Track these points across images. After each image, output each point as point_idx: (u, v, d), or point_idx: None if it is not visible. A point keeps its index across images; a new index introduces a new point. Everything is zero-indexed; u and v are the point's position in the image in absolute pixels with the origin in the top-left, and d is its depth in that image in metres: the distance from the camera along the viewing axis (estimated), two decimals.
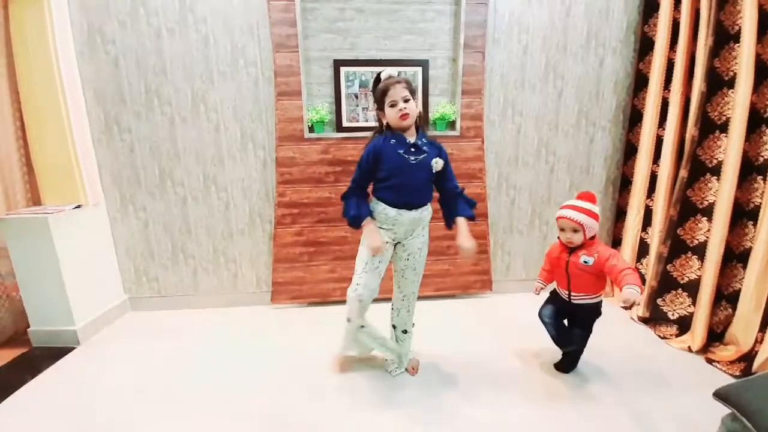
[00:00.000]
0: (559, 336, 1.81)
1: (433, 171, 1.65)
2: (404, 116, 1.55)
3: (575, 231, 1.70)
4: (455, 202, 1.74)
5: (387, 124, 1.62)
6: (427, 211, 1.72)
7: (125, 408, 1.68)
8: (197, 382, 1.85)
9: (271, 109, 2.43)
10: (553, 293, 1.90)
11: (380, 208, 1.66)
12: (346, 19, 2.37)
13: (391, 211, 1.63)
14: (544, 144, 2.66)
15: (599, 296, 1.80)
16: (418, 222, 1.69)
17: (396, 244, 1.73)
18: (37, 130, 2.16)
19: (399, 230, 1.67)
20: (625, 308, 2.43)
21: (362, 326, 1.75)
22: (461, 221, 1.72)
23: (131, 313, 2.60)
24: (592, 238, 1.74)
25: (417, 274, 1.78)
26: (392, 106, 1.56)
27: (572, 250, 1.75)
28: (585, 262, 1.70)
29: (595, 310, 1.82)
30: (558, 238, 1.81)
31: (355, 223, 1.66)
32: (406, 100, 1.55)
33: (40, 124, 2.15)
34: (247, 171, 2.51)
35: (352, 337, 1.79)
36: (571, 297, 1.79)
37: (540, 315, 1.86)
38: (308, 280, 2.61)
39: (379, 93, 1.59)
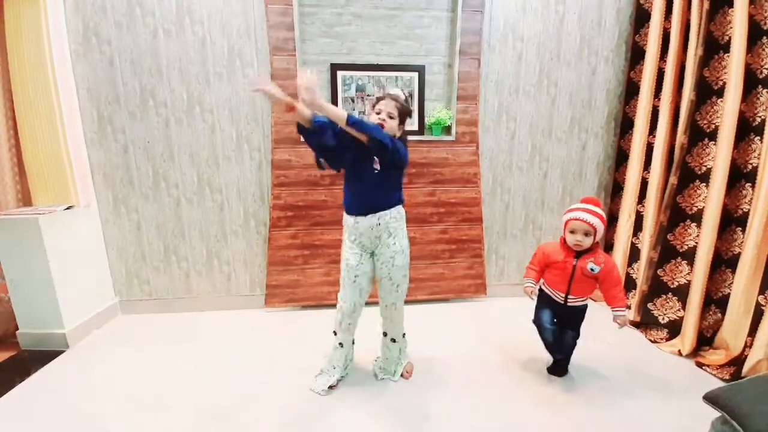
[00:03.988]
0: (555, 344, 1.82)
1: (375, 169, 1.58)
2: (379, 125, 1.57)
3: (587, 234, 1.69)
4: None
5: None
6: (389, 219, 1.64)
7: (114, 413, 1.65)
8: (188, 386, 1.83)
9: (268, 112, 2.42)
10: (544, 296, 1.87)
11: (345, 217, 1.70)
12: (343, 23, 2.38)
13: (350, 219, 1.67)
14: (537, 150, 2.70)
15: (587, 299, 1.84)
16: (380, 229, 1.64)
17: (373, 254, 1.72)
18: (29, 130, 2.13)
19: (363, 239, 1.67)
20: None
21: (341, 344, 1.79)
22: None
23: (122, 316, 2.56)
24: (598, 242, 1.77)
25: (393, 284, 1.71)
26: (377, 113, 1.61)
27: (579, 255, 1.75)
28: (592, 269, 1.71)
29: (584, 311, 1.85)
30: (562, 239, 1.79)
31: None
32: (391, 116, 1.59)
33: (32, 123, 2.12)
34: (242, 173, 2.50)
35: (331, 358, 1.82)
36: (567, 300, 1.79)
37: (539, 321, 1.84)
38: (303, 284, 2.60)
39: (374, 99, 1.68)
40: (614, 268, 1.74)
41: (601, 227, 1.70)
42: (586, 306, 1.84)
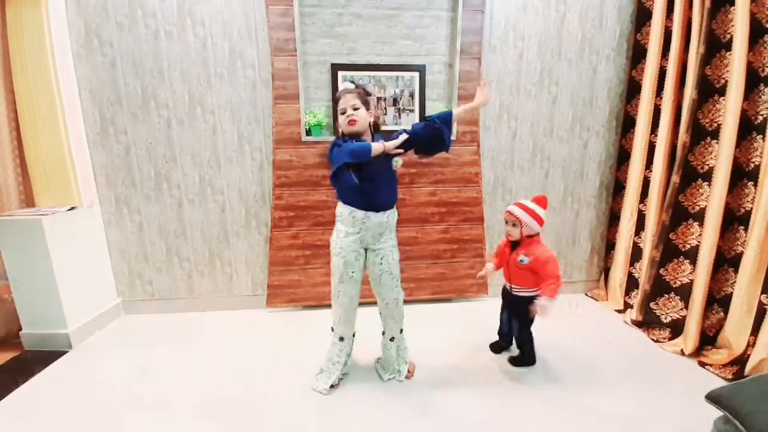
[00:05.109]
0: (504, 335, 2.11)
1: (394, 168, 1.71)
2: (351, 122, 1.60)
3: (514, 225, 1.85)
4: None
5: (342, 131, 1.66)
6: (392, 216, 1.73)
7: (116, 413, 1.66)
8: (190, 386, 1.83)
9: (269, 112, 2.43)
10: (503, 291, 2.04)
11: (348, 211, 1.66)
12: (344, 24, 2.39)
13: (359, 213, 1.64)
14: (538, 149, 2.69)
15: (536, 291, 1.86)
16: (385, 225, 1.69)
17: (366, 250, 1.73)
18: (32, 131, 2.15)
19: (366, 234, 1.67)
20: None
21: (341, 338, 1.80)
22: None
23: (124, 317, 2.57)
24: (532, 236, 1.85)
25: (393, 278, 1.76)
26: (342, 113, 1.61)
27: (514, 246, 1.89)
28: (521, 260, 1.85)
29: (529, 303, 1.87)
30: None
31: (366, 151, 1.53)
32: (355, 108, 1.59)
33: (34, 124, 2.13)
34: (243, 173, 2.51)
35: (330, 355, 1.83)
36: (512, 289, 1.94)
37: (501, 315, 2.10)
38: (304, 284, 2.61)
39: (334, 103, 1.67)
40: (548, 262, 1.79)
41: (527, 219, 1.81)
42: (531, 298, 1.86)
